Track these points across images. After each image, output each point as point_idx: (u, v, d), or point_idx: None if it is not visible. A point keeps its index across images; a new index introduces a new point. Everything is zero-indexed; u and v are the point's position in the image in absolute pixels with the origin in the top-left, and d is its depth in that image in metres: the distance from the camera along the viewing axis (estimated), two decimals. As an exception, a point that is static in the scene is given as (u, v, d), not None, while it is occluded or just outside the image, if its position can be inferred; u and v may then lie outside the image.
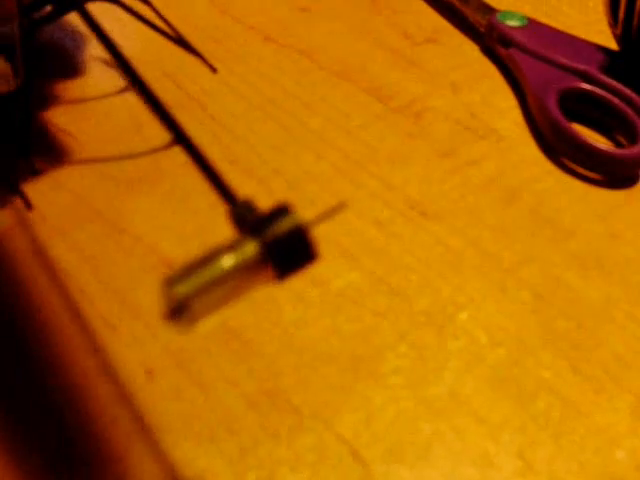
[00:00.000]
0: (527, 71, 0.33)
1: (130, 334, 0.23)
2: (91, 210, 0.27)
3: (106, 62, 0.34)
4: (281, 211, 0.15)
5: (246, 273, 0.15)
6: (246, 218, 0.16)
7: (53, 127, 0.30)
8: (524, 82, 0.33)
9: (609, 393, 0.22)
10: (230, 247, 0.15)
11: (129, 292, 0.24)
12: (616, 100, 0.31)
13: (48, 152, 0.29)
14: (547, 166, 0.30)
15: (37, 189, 0.27)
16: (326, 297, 0.24)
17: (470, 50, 0.36)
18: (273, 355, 0.23)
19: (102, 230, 0.26)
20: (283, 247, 0.15)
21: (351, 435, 0.21)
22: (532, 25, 0.35)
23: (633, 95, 0.31)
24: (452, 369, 0.23)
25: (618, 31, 0.33)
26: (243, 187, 0.28)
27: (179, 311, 0.15)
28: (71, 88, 0.32)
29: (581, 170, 0.30)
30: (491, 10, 0.36)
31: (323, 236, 0.23)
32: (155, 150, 0.29)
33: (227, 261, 0.15)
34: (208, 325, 0.20)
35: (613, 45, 0.34)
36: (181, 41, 0.33)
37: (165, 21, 0.33)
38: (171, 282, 0.15)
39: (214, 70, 0.33)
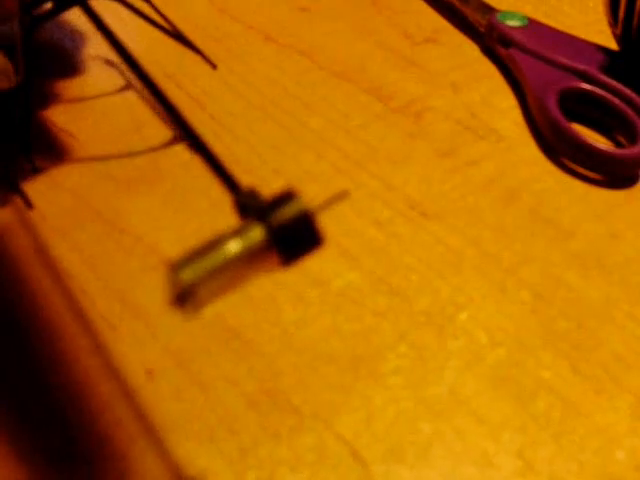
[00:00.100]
0: (527, 71, 0.33)
1: (130, 334, 0.23)
2: (91, 210, 0.27)
3: (106, 61, 0.34)
4: (286, 197, 0.15)
5: (252, 259, 0.15)
6: (251, 206, 0.16)
7: (53, 126, 0.30)
8: (524, 82, 0.33)
9: (609, 393, 0.22)
10: (236, 232, 0.15)
11: (129, 292, 0.24)
12: (616, 100, 0.31)
13: (48, 151, 0.29)
14: (547, 166, 0.30)
15: (37, 189, 0.27)
16: (326, 297, 0.24)
17: (470, 50, 0.36)
18: (273, 355, 0.23)
19: (102, 230, 0.26)
20: (289, 232, 0.15)
21: (351, 435, 0.21)
22: (532, 25, 0.35)
23: (633, 95, 0.31)
24: (452, 369, 0.23)
25: (618, 31, 0.33)
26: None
27: (184, 297, 0.14)
28: (71, 87, 0.32)
29: (581, 170, 0.30)
30: (491, 10, 0.36)
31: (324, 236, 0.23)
32: (155, 150, 0.29)
33: (233, 247, 0.15)
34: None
35: (613, 45, 0.34)
36: (181, 38, 0.33)
37: (164, 18, 0.33)
38: (176, 268, 0.15)
39: (214, 67, 0.33)
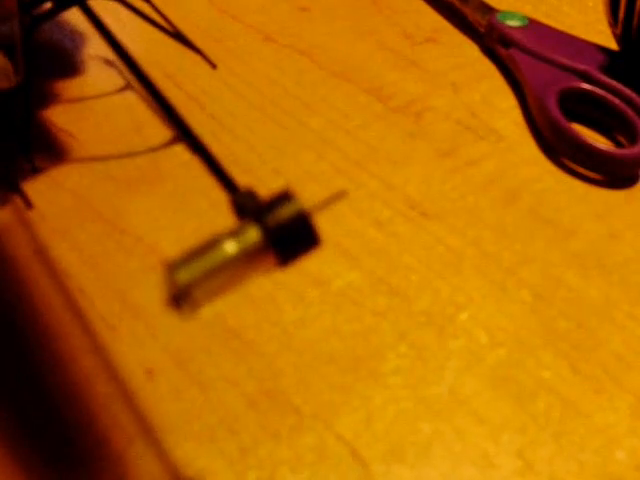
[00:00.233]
0: (527, 71, 0.33)
1: (130, 334, 0.23)
2: (91, 210, 0.27)
3: (106, 61, 0.34)
4: (283, 197, 0.15)
5: (249, 259, 0.15)
6: (248, 207, 0.16)
7: (53, 126, 0.30)
8: (524, 82, 0.33)
9: (609, 393, 0.22)
10: (233, 233, 0.15)
11: (129, 292, 0.24)
12: (616, 100, 0.31)
13: (48, 151, 0.29)
14: (547, 166, 0.30)
15: (37, 188, 0.27)
16: (326, 297, 0.24)
17: (470, 50, 0.36)
18: (273, 355, 0.23)
19: (102, 230, 0.26)
20: (286, 233, 0.15)
21: (351, 435, 0.21)
22: (532, 25, 0.35)
23: (633, 95, 0.31)
24: (452, 369, 0.23)
25: (618, 31, 0.33)
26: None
27: (181, 297, 0.14)
28: (71, 87, 0.32)
29: (581, 170, 0.30)
30: (491, 10, 0.36)
31: (323, 236, 0.23)
32: (155, 150, 0.29)
33: (230, 247, 0.15)
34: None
35: (613, 45, 0.34)
36: (180, 37, 0.33)
37: (164, 18, 0.33)
38: (173, 268, 0.15)
39: (214, 66, 0.33)
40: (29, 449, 0.20)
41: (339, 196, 0.16)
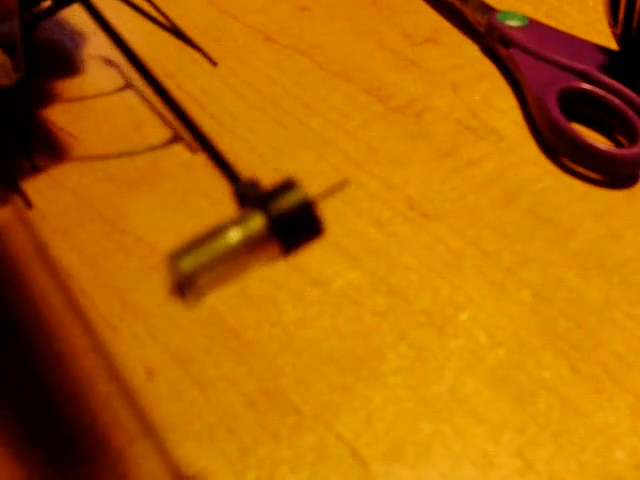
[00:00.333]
0: (527, 71, 0.33)
1: (130, 334, 0.23)
2: (91, 210, 0.27)
3: (106, 61, 0.34)
4: (287, 186, 0.15)
5: (252, 248, 0.15)
6: (251, 196, 0.16)
7: (52, 126, 0.30)
8: (524, 82, 0.33)
9: (609, 393, 0.22)
10: (236, 221, 0.15)
11: (129, 292, 0.24)
12: (616, 100, 0.31)
13: (48, 151, 0.29)
14: (547, 166, 0.30)
15: (37, 188, 0.27)
16: (326, 297, 0.24)
17: (470, 50, 0.36)
18: (273, 355, 0.23)
19: (102, 230, 0.26)
20: (289, 221, 0.15)
21: (351, 435, 0.21)
22: (532, 25, 0.35)
23: (633, 95, 0.31)
24: (452, 369, 0.23)
25: (618, 31, 0.33)
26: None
27: (185, 286, 0.14)
28: (71, 87, 0.32)
29: (581, 170, 0.30)
30: (491, 10, 0.36)
31: (323, 236, 0.23)
32: (155, 149, 0.29)
33: (233, 235, 0.15)
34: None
35: (613, 45, 0.34)
36: (180, 34, 0.33)
37: (164, 15, 0.33)
38: (177, 257, 0.14)
39: (214, 63, 0.33)
40: (30, 448, 0.20)
41: (342, 185, 0.16)
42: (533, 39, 0.34)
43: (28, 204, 0.27)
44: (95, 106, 0.31)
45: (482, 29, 0.36)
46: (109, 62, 0.34)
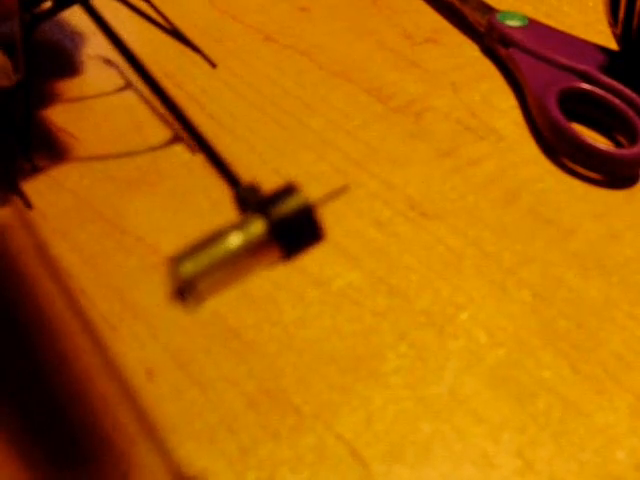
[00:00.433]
0: (527, 71, 0.33)
1: (130, 334, 0.23)
2: (91, 210, 0.27)
3: (105, 61, 0.34)
4: (287, 190, 0.15)
5: (253, 252, 0.15)
6: (251, 200, 0.16)
7: (52, 126, 0.30)
8: (524, 82, 0.33)
9: (609, 393, 0.22)
10: (237, 226, 0.15)
11: (129, 292, 0.24)
12: (616, 100, 0.31)
13: (48, 151, 0.29)
14: (547, 166, 0.30)
15: (37, 188, 0.27)
16: (326, 297, 0.24)
17: (470, 50, 0.36)
18: (273, 355, 0.23)
19: (102, 230, 0.26)
20: (290, 226, 0.15)
21: (351, 435, 0.21)
22: (532, 25, 0.35)
23: (633, 95, 0.31)
24: (452, 369, 0.23)
25: (618, 31, 0.33)
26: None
27: (185, 290, 0.14)
28: (70, 87, 0.32)
29: (581, 170, 0.30)
30: (491, 10, 0.36)
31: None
32: (155, 150, 0.29)
33: (234, 240, 0.15)
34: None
35: (613, 45, 0.34)
36: (179, 36, 0.33)
37: (163, 17, 0.33)
38: (177, 261, 0.14)
39: (214, 65, 0.33)
40: (30, 449, 0.20)
41: (342, 190, 0.17)
42: (533, 39, 0.34)
43: (28, 205, 0.27)
44: (95, 106, 0.31)
45: (482, 29, 0.36)
46: (109, 62, 0.34)
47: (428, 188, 0.28)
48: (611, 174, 0.29)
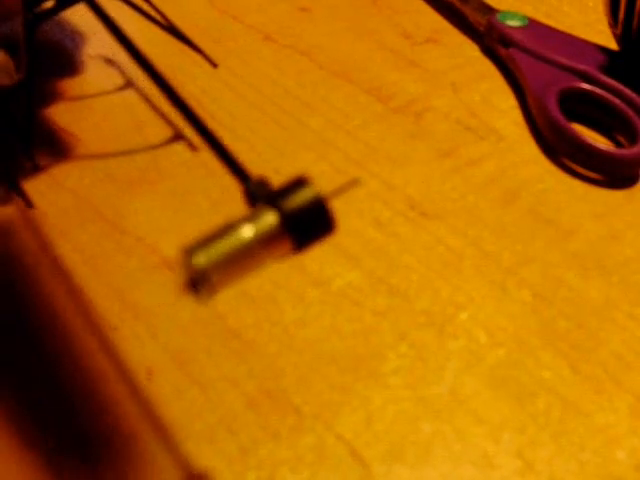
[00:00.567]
0: (527, 71, 0.33)
1: (131, 334, 0.23)
2: (92, 210, 0.27)
3: (106, 60, 0.34)
4: (299, 183, 0.15)
5: (265, 244, 0.15)
6: (261, 194, 0.16)
7: (53, 125, 0.30)
8: (524, 82, 0.33)
9: (609, 393, 0.22)
10: (249, 218, 0.15)
11: (130, 292, 0.24)
12: (616, 100, 0.31)
13: (48, 150, 0.29)
14: (547, 166, 0.30)
15: (38, 188, 0.27)
16: (326, 297, 0.24)
17: (470, 50, 0.36)
18: (273, 355, 0.23)
19: (103, 230, 0.26)
20: (302, 218, 0.15)
21: (351, 435, 0.21)
22: (532, 25, 0.35)
23: (633, 95, 0.31)
24: (452, 369, 0.23)
25: (618, 31, 0.33)
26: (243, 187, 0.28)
27: (198, 282, 0.14)
28: (71, 86, 0.32)
29: (581, 170, 0.30)
30: (491, 10, 0.36)
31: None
32: (155, 149, 0.29)
33: (247, 232, 0.15)
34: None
35: (613, 45, 0.34)
36: (180, 35, 0.33)
37: (163, 16, 0.33)
38: (190, 252, 0.15)
39: (214, 65, 0.33)
40: (30, 449, 0.20)
41: (353, 183, 0.17)
42: (533, 39, 0.34)
43: (28, 204, 0.27)
44: (95, 105, 0.31)
45: (482, 29, 0.36)
46: (109, 62, 0.34)
47: (428, 188, 0.28)
48: (611, 174, 0.29)
